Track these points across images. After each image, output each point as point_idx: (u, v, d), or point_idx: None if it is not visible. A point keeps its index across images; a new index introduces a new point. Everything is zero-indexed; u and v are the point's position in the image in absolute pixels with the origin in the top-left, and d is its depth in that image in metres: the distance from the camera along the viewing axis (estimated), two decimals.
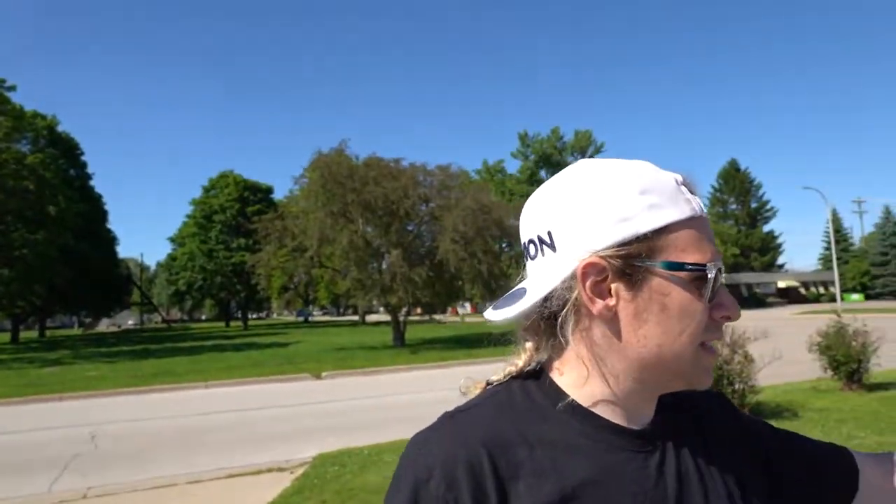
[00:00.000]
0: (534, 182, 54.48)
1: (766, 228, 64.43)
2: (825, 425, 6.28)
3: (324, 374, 14.55)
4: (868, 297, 56.94)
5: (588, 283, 0.65)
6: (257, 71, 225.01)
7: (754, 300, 55.95)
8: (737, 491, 0.70)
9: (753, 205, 64.46)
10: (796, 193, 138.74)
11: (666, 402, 0.73)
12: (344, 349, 21.63)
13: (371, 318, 62.83)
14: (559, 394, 0.69)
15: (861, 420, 5.97)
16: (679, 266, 0.63)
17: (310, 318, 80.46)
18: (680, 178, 0.67)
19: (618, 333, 0.66)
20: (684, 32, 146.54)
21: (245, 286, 48.25)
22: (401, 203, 20.02)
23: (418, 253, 21.56)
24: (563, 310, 0.67)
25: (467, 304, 56.11)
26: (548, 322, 0.69)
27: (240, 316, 61.77)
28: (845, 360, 8.45)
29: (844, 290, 55.92)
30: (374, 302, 22.76)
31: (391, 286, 19.89)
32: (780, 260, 66.17)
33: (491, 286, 19.99)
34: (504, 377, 0.74)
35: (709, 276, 0.64)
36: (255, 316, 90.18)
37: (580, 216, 0.65)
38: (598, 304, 0.65)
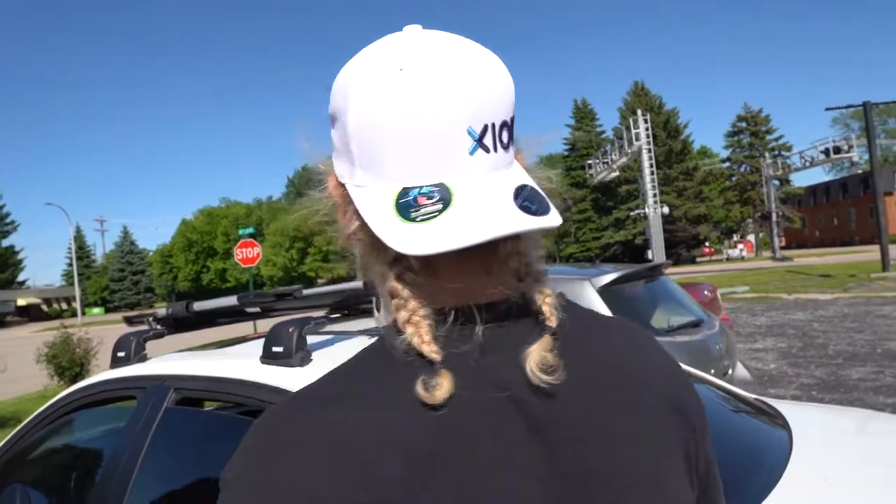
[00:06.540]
0: None
1: (5, 243, 60.09)
2: None
3: None
4: (108, 311, 61.80)
5: None
6: None
7: None
8: None
9: None
10: (41, 209, 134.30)
11: None
12: None
13: None
14: None
15: None
16: None
17: None
18: None
19: None
20: None
21: None
22: None
23: None
24: None
25: None
26: None
27: None
28: (70, 366, 9.75)
29: (87, 305, 58.78)
30: None
31: None
32: (22, 276, 63.15)
33: None
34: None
35: None
36: None
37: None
38: None
